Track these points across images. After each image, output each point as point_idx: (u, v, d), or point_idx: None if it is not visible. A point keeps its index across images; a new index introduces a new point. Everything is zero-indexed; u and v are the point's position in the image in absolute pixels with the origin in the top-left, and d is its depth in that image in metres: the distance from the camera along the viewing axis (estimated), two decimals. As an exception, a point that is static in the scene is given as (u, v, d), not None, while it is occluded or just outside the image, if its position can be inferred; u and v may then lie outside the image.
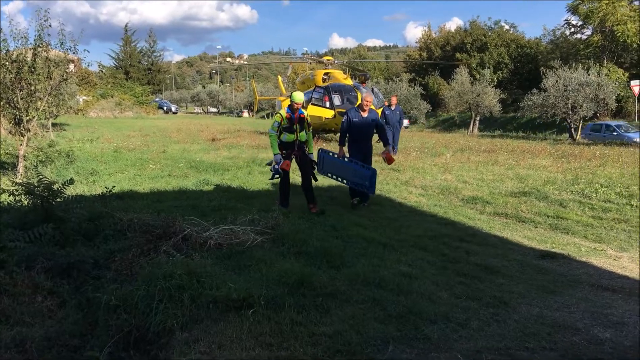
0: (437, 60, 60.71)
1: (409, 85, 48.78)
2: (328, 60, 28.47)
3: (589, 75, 29.98)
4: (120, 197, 8.88)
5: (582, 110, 29.67)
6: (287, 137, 8.70)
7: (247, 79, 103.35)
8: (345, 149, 9.80)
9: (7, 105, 11.72)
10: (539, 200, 10.43)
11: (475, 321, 4.41)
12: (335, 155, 9.50)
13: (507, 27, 66.07)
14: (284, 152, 8.75)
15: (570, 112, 30.05)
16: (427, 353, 3.80)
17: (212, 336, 3.92)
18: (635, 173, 13.55)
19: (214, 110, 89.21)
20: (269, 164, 9.03)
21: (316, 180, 9.24)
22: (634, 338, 4.20)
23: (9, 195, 6.77)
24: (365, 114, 9.45)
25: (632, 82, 35.31)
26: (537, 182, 12.18)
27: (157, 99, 76.98)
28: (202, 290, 4.52)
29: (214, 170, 13.58)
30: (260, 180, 12.18)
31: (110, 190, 8.25)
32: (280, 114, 8.66)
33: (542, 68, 33.43)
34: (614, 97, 30.70)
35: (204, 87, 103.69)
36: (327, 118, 23.19)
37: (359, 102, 22.71)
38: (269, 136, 8.85)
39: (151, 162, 14.92)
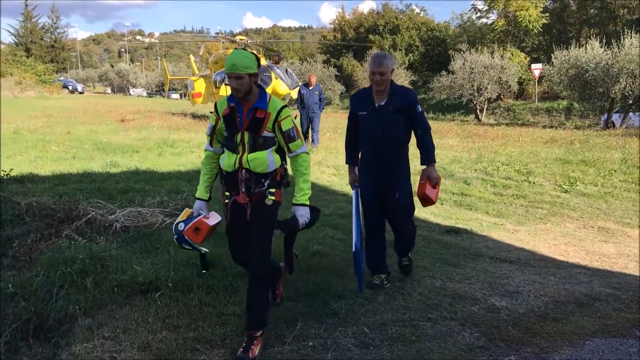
0: (351, 42, 61.36)
1: (324, 67, 49.10)
2: (242, 40, 28.06)
3: (493, 58, 31.40)
4: (19, 181, 8.40)
5: (487, 92, 31.07)
6: (225, 159, 3.73)
7: (159, 58, 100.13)
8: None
9: None
10: (445, 178, 10.83)
11: (382, 295, 4.55)
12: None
13: (417, 10, 67.83)
14: (227, 192, 3.80)
15: (476, 94, 31.38)
16: (335, 328, 3.88)
17: (117, 320, 3.82)
18: (533, 151, 14.37)
19: (138, 91, 78.16)
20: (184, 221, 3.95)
21: (293, 258, 4.14)
22: (527, 305, 4.49)
23: None
24: (381, 98, 4.60)
25: (533, 66, 37.23)
26: (444, 160, 12.64)
27: (62, 78, 72.94)
28: (107, 274, 4.40)
29: (122, 152, 13.10)
30: (171, 161, 11.88)
31: (7, 174, 7.79)
32: (216, 109, 3.74)
33: (451, 51, 34.62)
34: (516, 80, 32.38)
35: (112, 65, 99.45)
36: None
37: (274, 82, 22.76)
38: None
39: (54, 144, 14.19)
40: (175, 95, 69.19)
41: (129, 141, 15.43)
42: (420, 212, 8.31)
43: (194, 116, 26.26)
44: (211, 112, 3.86)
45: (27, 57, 70.96)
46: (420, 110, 4.63)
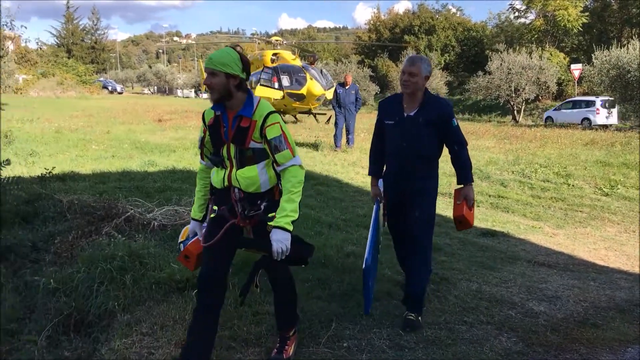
0: (386, 42, 61.11)
1: (358, 67, 48.99)
2: (277, 40, 28.25)
3: (531, 58, 30.88)
4: (61, 179, 8.61)
5: (525, 93, 30.57)
6: (214, 175, 3.35)
7: (195, 58, 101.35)
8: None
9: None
10: (481, 180, 10.70)
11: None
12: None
13: (454, 10, 67.16)
14: (216, 207, 3.38)
15: (514, 95, 30.91)
16: (370, 329, 3.88)
17: (155, 317, 3.88)
18: (573, 153, 14.08)
19: (186, 92, 74.22)
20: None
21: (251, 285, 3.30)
22: (566, 311, 4.40)
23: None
24: (412, 107, 4.11)
25: (573, 66, 36.43)
26: (480, 162, 12.48)
27: (102, 79, 74.59)
28: (145, 271, 4.47)
29: (159, 152, 13.32)
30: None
31: (50, 172, 8.00)
32: (203, 118, 3.31)
33: (488, 51, 34.18)
34: (554, 80, 31.75)
35: (150, 66, 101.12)
36: (276, 99, 23.09)
37: (309, 82, 22.84)
38: None
39: (94, 143, 14.51)
40: (205, 95, 69.71)
41: (166, 141, 15.68)
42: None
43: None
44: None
45: (69, 58, 72.86)
46: (456, 124, 4.08)
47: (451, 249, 6.21)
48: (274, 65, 24.06)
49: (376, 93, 50.88)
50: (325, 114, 25.26)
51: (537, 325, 4.06)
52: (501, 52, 31.80)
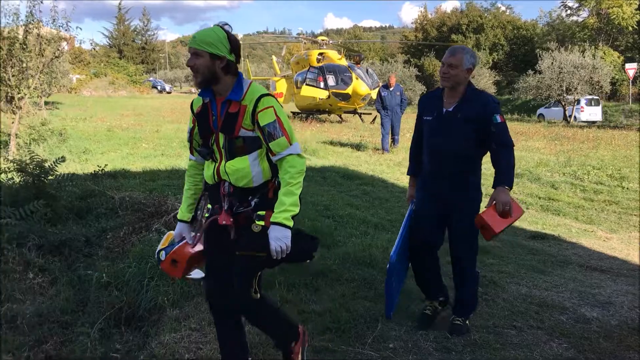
0: (433, 42, 60.44)
1: (404, 67, 48.64)
2: (323, 40, 28.30)
3: (584, 57, 29.96)
4: (113, 176, 8.85)
5: (577, 93, 29.71)
6: (205, 170, 3.00)
7: (242, 58, 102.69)
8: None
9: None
10: (531, 181, 10.47)
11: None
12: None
13: (503, 8, 65.91)
14: (210, 206, 3.02)
15: (565, 94, 30.08)
16: (416, 330, 3.84)
17: (203, 313, 3.94)
18: (627, 155, 13.61)
19: None
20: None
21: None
22: (620, 317, 4.26)
23: (1, 173, 6.76)
24: (451, 102, 3.80)
25: (627, 65, 35.28)
26: (530, 163, 12.21)
27: (151, 78, 76.26)
28: (193, 267, 4.53)
29: (206, 150, 13.50)
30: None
31: (102, 169, 8.22)
32: (192, 108, 3.01)
33: (538, 50, 33.36)
34: (608, 80, 30.74)
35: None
36: (321, 98, 23.16)
37: (355, 82, 22.80)
38: None
39: (144, 141, 14.85)
40: None
41: (213, 139, 15.89)
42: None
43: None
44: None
45: (120, 58, 74.78)
46: (499, 120, 3.62)
47: (499, 252, 6.09)
48: (320, 64, 24.11)
49: (422, 93, 50.39)
50: (370, 113, 25.17)
51: (589, 331, 3.94)
52: (552, 51, 30.99)
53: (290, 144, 2.76)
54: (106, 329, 3.88)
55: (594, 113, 30.88)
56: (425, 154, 3.93)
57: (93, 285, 4.39)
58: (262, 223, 2.73)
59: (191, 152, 3.05)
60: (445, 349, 3.59)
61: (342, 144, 15.70)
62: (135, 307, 4.06)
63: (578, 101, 30.46)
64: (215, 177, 2.87)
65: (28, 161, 6.56)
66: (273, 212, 2.71)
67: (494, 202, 3.57)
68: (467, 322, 3.88)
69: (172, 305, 4.09)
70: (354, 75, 22.80)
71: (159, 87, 70.48)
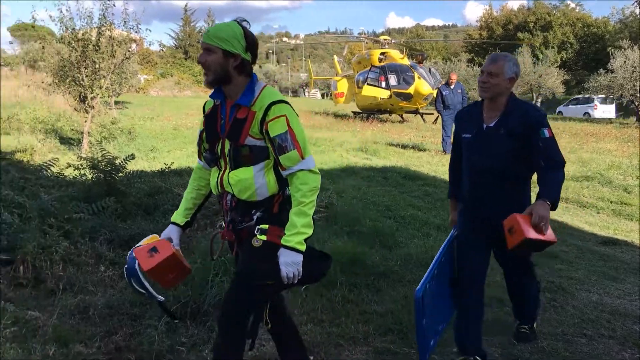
0: (498, 40, 59.04)
1: (468, 66, 47.71)
2: (385, 39, 28.13)
3: (660, 56, 28.54)
4: (179, 174, 9.08)
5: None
6: (211, 177, 2.80)
7: (304, 58, 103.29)
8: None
9: (73, 83, 12.15)
10: (602, 185, 10.06)
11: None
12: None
13: (573, 5, 63.53)
14: (220, 221, 3.12)
15: (639, 95, 28.75)
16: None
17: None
18: None
19: (313, 92, 63.57)
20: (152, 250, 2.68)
21: (257, 332, 2.78)
22: (699, 329, 4.03)
23: (74, 170, 7.05)
24: (492, 117, 3.37)
25: None
26: (601, 166, 11.73)
27: (215, 78, 77.65)
28: (257, 265, 4.58)
29: (269, 149, 13.67)
30: (315, 160, 12.19)
31: (169, 167, 8.45)
32: (203, 109, 2.93)
33: (610, 48, 32.04)
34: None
35: (260, 67, 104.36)
36: (383, 98, 23.03)
37: (417, 82, 22.53)
38: None
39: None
40: (307, 94, 68.31)
41: (275, 139, 16.07)
42: (574, 220, 7.79)
43: (336, 115, 26.75)
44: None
45: (185, 59, 76.71)
46: (547, 135, 3.17)
47: (568, 257, 5.88)
48: (382, 64, 23.98)
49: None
50: (432, 113, 24.84)
51: (666, 343, 3.75)
52: (625, 49, 29.68)
53: (303, 158, 2.53)
54: (172, 322, 3.98)
55: (607, 110, 33.78)
56: (465, 175, 3.50)
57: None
58: (264, 238, 2.51)
59: (199, 156, 2.85)
60: (512, 356, 3.50)
61: (403, 145, 15.56)
62: (200, 302, 4.14)
63: (592, 99, 33.75)
64: (219, 187, 2.67)
65: (100, 158, 6.82)
66: (277, 227, 2.53)
67: (530, 212, 3.01)
68: (533, 328, 3.73)
69: (237, 301, 4.15)
70: (416, 75, 22.54)
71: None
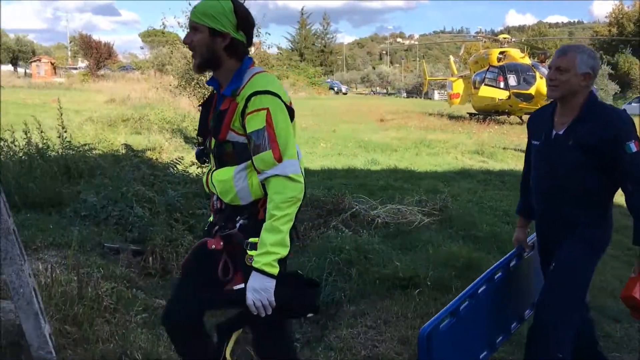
0: (629, 37, 54.98)
1: (595, 64, 44.90)
2: (505, 38, 27.16)
3: None
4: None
5: None
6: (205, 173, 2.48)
7: (417, 59, 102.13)
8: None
9: (197, 85, 12.84)
10: None
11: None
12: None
13: None
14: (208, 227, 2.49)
15: None
16: (609, 352, 3.52)
17: (379, 311, 3.98)
18: None
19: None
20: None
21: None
22: None
23: (197, 167, 7.44)
24: (563, 123, 2.76)
25: None
26: None
27: (329, 80, 79.06)
28: (369, 266, 4.60)
29: (381, 150, 13.69)
30: (427, 161, 12.05)
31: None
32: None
33: None
34: None
35: (373, 68, 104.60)
36: (501, 99, 22.28)
37: (539, 82, 21.50)
38: None
39: (322, 141, 15.42)
40: (436, 96, 65.27)
41: (387, 140, 16.06)
42: None
43: (451, 117, 26.20)
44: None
45: (301, 61, 78.58)
46: (634, 149, 2.55)
47: None
48: (500, 64, 23.18)
49: (615, 93, 46.21)
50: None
51: None
52: None
53: (278, 162, 2.10)
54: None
55: None
56: (533, 190, 2.98)
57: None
58: (254, 253, 2.13)
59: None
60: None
61: (522, 149, 14.92)
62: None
63: None
64: (205, 186, 2.40)
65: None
66: None
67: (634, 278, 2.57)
68: None
69: (349, 301, 4.20)
70: (537, 75, 21.57)
71: (335, 89, 72.80)
